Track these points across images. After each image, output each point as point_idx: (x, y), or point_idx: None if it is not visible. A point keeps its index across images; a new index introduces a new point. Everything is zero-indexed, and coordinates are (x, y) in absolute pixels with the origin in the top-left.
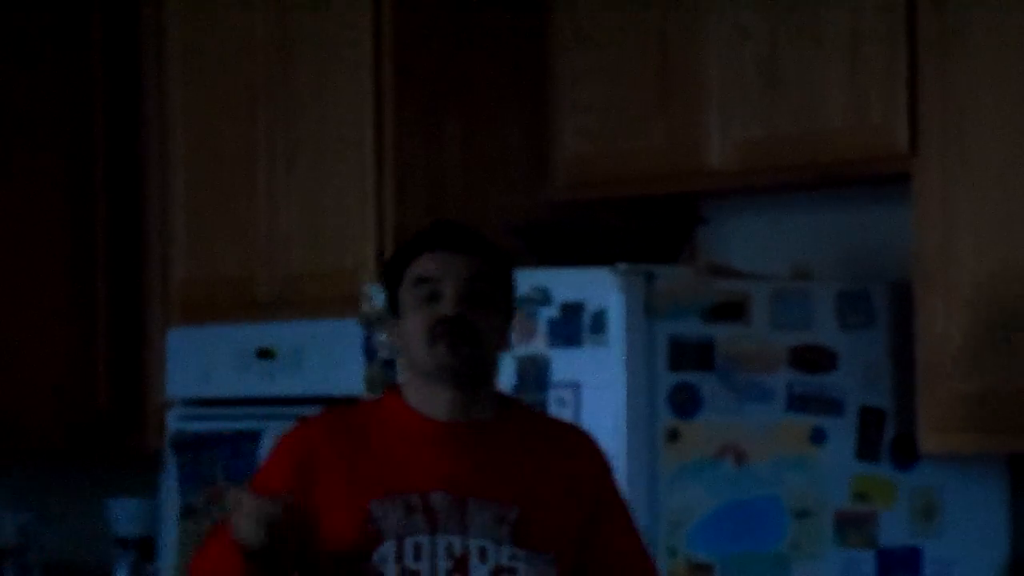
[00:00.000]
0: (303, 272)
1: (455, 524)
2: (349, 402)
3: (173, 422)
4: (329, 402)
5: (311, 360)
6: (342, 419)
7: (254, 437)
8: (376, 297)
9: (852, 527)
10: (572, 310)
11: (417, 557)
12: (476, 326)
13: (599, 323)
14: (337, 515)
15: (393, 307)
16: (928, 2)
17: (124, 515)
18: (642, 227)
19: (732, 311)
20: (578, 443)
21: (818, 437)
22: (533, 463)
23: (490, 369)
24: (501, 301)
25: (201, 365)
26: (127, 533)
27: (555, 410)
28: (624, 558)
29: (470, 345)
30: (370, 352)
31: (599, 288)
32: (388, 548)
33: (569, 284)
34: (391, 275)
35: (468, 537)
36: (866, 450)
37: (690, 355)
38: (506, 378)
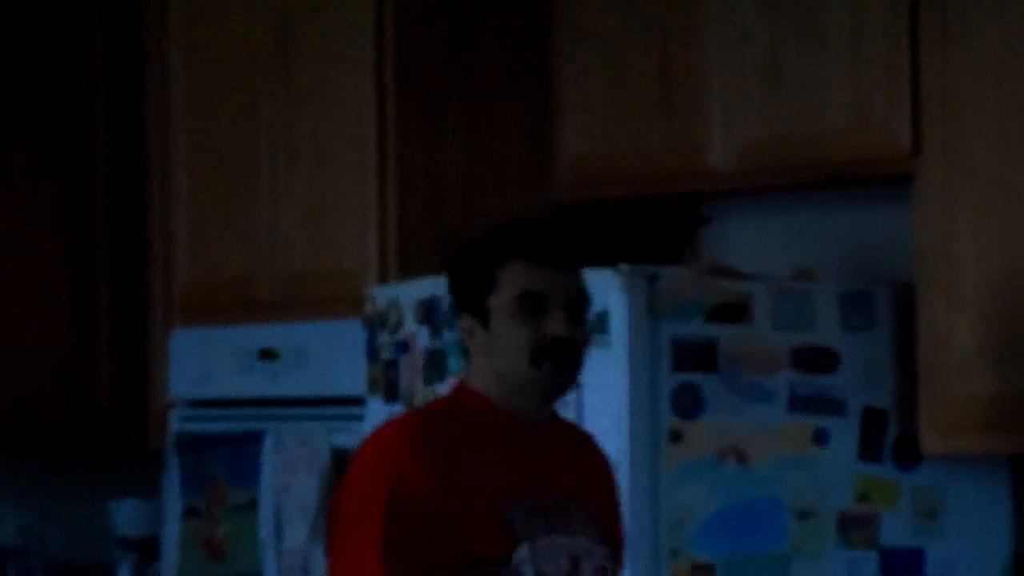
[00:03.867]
0: (305, 272)
1: (564, 524)
2: (354, 403)
3: (175, 423)
4: (331, 403)
5: (313, 361)
6: (439, 421)
7: (256, 438)
8: (378, 298)
9: (854, 528)
10: None
11: (544, 558)
12: (580, 346)
13: (601, 324)
14: (470, 519)
15: (469, 303)
16: (930, 2)
17: (126, 515)
18: (644, 227)
19: (734, 312)
20: (595, 446)
21: (820, 438)
22: (586, 463)
23: None
24: (587, 312)
25: (203, 366)
26: (129, 533)
27: (558, 411)
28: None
29: (575, 367)
30: (372, 352)
31: (601, 289)
32: (524, 551)
33: None
34: (475, 274)
35: (575, 537)
36: (868, 451)
37: (692, 356)
38: None
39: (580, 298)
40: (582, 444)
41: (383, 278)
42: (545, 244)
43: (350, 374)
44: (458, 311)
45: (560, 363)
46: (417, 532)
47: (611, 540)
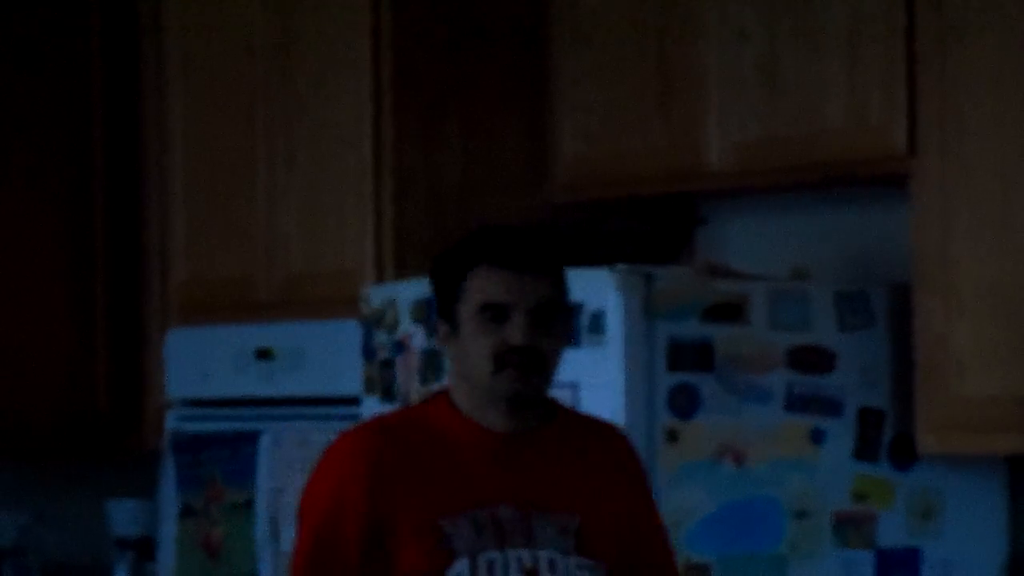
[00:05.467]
0: (302, 273)
1: (522, 537)
2: (350, 403)
3: (172, 422)
4: (328, 403)
5: (310, 361)
6: (396, 432)
7: (253, 438)
8: (374, 298)
9: (851, 528)
10: None
11: (490, 573)
12: (545, 354)
13: (598, 324)
14: (409, 535)
15: (443, 311)
16: (927, 3)
17: (123, 515)
18: (641, 228)
19: (731, 312)
20: (619, 446)
21: (817, 438)
22: (584, 469)
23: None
24: (565, 317)
25: (200, 366)
26: (126, 533)
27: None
28: (659, 566)
29: (538, 375)
30: (369, 352)
31: (598, 289)
32: (462, 566)
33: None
34: (446, 283)
35: (536, 549)
36: (865, 451)
37: (689, 356)
38: None
39: (549, 305)
40: (593, 446)
41: (380, 278)
42: (509, 249)
43: (347, 374)
44: (438, 316)
45: (522, 371)
46: (347, 548)
47: (597, 550)
